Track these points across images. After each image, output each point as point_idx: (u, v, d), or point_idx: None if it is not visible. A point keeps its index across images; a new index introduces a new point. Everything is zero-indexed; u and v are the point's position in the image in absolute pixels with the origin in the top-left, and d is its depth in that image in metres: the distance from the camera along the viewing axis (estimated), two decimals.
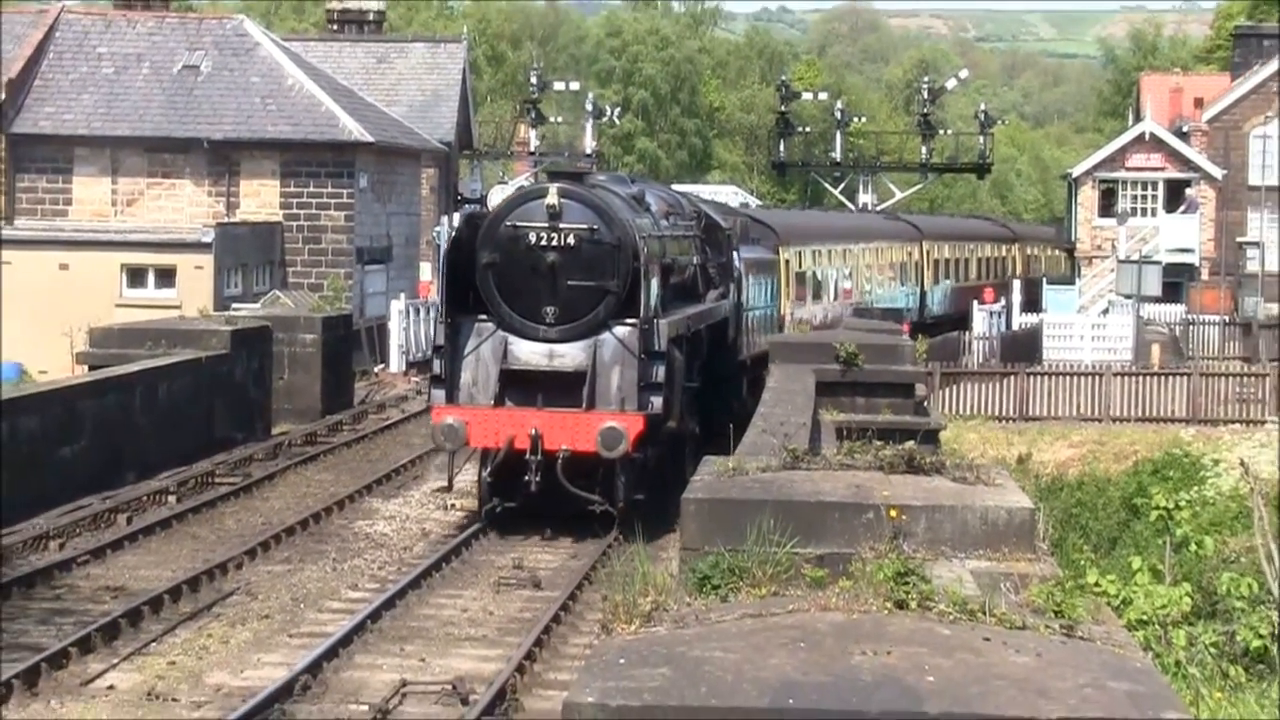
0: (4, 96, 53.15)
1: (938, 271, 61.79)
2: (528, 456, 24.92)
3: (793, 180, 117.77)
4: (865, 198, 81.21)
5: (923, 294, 58.23)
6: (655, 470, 26.45)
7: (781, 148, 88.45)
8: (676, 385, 26.37)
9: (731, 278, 33.11)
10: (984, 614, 11.74)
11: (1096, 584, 17.16)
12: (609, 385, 25.70)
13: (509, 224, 25.99)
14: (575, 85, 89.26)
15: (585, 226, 25.76)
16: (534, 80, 79.10)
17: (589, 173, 28.74)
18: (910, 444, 17.70)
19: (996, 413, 49.16)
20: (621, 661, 10.58)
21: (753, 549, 13.62)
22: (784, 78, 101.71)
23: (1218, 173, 77.72)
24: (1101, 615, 12.63)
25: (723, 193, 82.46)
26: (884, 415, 28.84)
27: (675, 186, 57.07)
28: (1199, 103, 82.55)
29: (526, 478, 24.93)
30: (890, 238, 56.36)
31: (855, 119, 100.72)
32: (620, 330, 25.76)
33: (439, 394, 26.15)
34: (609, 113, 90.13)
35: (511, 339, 25.96)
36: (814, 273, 46.05)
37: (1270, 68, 79.83)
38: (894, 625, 11.49)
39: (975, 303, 61.31)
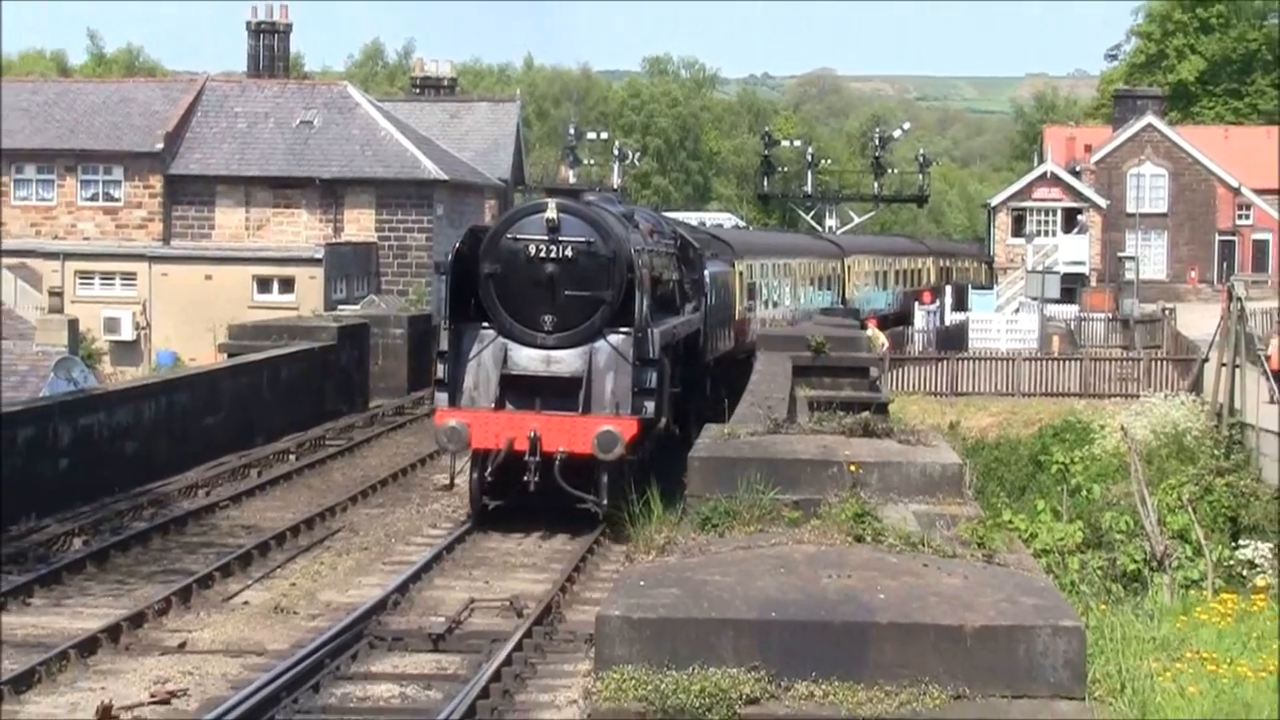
0: (162, 146, 53.32)
1: (857, 280, 59.99)
2: (526, 458, 21.31)
3: (774, 208, 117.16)
4: (830, 222, 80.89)
5: (844, 299, 56.68)
6: (639, 471, 22.35)
7: (765, 183, 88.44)
8: (665, 390, 23.11)
9: (702, 291, 28.97)
10: (923, 545, 11.72)
11: (1010, 522, 17.08)
12: (604, 390, 21.99)
13: (510, 237, 22.31)
14: (604, 135, 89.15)
15: (582, 240, 22.16)
16: (572, 131, 78.80)
17: (584, 190, 25.09)
18: (866, 414, 17.67)
19: (933, 389, 49.04)
20: (642, 583, 10.57)
21: (743, 496, 13.59)
22: (767, 129, 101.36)
23: (1103, 203, 77.80)
24: (1014, 546, 12.61)
25: (720, 218, 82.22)
26: (846, 391, 28.64)
27: (679, 214, 56.35)
28: (1089, 148, 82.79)
29: (526, 478, 21.37)
30: (818, 254, 54.59)
31: (822, 161, 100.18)
32: (614, 338, 22.14)
33: (442, 397, 22.43)
34: (630, 156, 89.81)
35: (511, 345, 22.28)
36: (762, 283, 44.19)
37: (1142, 121, 79.97)
38: (853, 555, 11.47)
39: (916, 303, 61.03)
